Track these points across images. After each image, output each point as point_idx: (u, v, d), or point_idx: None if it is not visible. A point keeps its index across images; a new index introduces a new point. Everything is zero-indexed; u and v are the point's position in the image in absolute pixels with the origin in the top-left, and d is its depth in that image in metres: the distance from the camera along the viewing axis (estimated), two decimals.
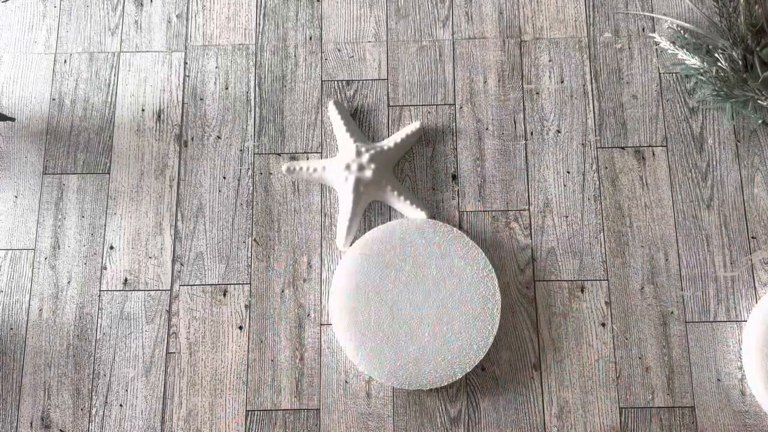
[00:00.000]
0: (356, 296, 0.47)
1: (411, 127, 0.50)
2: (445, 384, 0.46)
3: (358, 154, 0.49)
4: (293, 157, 0.52)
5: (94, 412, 0.47)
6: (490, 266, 0.47)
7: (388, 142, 0.50)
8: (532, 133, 0.52)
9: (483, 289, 0.47)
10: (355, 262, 0.47)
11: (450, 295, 0.47)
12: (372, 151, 0.49)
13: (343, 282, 0.47)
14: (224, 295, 0.49)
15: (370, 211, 0.51)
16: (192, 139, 0.52)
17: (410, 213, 0.49)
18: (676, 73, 0.52)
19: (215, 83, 0.53)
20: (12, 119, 0.51)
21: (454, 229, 0.48)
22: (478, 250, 0.48)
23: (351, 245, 0.49)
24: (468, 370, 0.46)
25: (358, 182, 0.49)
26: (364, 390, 0.47)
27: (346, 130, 0.50)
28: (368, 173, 0.49)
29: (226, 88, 0.53)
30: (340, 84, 0.53)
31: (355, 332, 0.46)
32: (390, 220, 0.50)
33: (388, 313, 0.46)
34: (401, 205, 0.49)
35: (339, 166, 0.49)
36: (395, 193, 0.49)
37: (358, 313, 0.46)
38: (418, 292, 0.47)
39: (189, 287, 0.49)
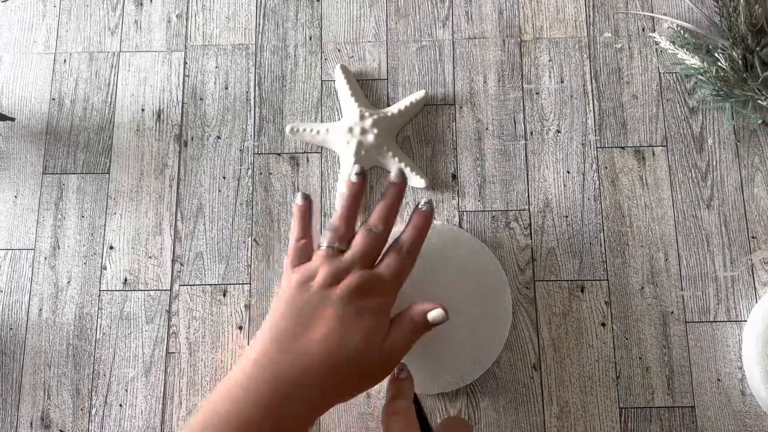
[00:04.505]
0: None
1: (415, 95, 0.51)
2: (461, 386, 0.46)
3: (362, 117, 0.49)
4: (293, 157, 0.52)
5: (93, 412, 0.47)
6: (493, 256, 0.47)
7: (392, 109, 0.50)
8: (532, 133, 0.52)
9: (494, 286, 0.46)
10: None
11: (461, 293, 0.46)
12: (375, 116, 0.49)
13: None
14: (224, 295, 0.49)
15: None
16: (192, 138, 0.52)
17: (410, 180, 0.50)
18: (676, 73, 0.52)
19: (215, 83, 0.53)
20: (12, 119, 0.51)
21: (453, 227, 0.48)
22: (479, 244, 0.47)
23: None
24: (486, 368, 0.45)
25: (360, 146, 0.49)
26: None
27: (351, 94, 0.50)
28: (370, 137, 0.49)
29: (226, 88, 0.53)
30: None
31: None
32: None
33: None
34: None
35: (342, 129, 0.49)
36: (396, 159, 0.49)
37: None
38: (430, 294, 0.46)
39: (189, 287, 0.49)
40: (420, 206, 0.42)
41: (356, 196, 0.42)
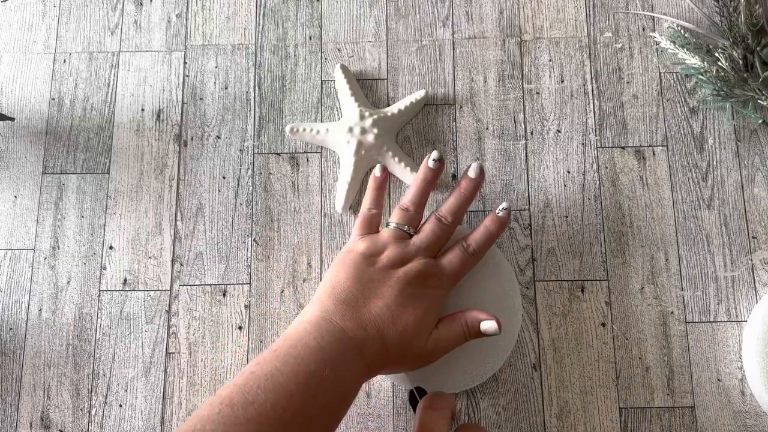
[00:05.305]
0: None
1: (415, 95, 0.51)
2: (469, 388, 0.45)
3: (362, 117, 0.49)
4: (293, 157, 0.52)
5: (93, 412, 0.47)
6: (504, 259, 0.47)
7: (392, 109, 0.50)
8: (532, 133, 0.52)
9: (504, 285, 0.46)
10: None
11: (470, 294, 0.46)
12: (375, 116, 0.49)
13: None
14: (224, 295, 0.49)
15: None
16: (192, 138, 0.52)
17: (409, 179, 0.50)
18: (676, 72, 0.52)
19: (215, 83, 0.53)
20: (12, 119, 0.51)
21: (463, 228, 0.48)
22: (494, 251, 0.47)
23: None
24: (497, 368, 0.45)
25: (360, 146, 0.49)
26: (364, 390, 0.47)
27: (351, 94, 0.50)
28: (370, 137, 0.49)
29: (226, 88, 0.53)
30: None
31: None
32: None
33: None
34: (400, 171, 0.49)
35: (341, 129, 0.49)
36: (396, 159, 0.49)
37: None
38: None
39: (188, 287, 0.49)
40: (497, 211, 0.44)
41: (430, 181, 0.44)
